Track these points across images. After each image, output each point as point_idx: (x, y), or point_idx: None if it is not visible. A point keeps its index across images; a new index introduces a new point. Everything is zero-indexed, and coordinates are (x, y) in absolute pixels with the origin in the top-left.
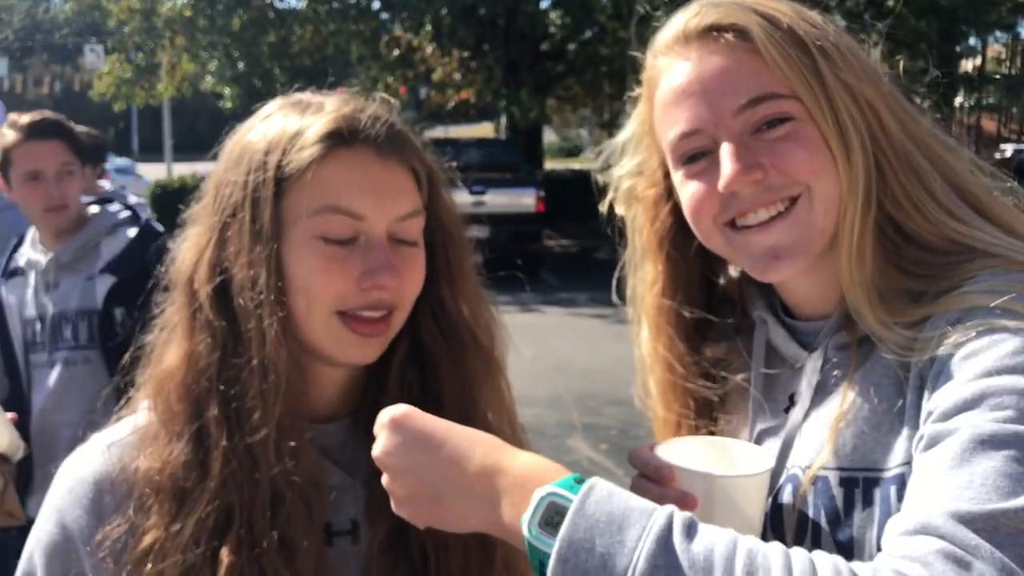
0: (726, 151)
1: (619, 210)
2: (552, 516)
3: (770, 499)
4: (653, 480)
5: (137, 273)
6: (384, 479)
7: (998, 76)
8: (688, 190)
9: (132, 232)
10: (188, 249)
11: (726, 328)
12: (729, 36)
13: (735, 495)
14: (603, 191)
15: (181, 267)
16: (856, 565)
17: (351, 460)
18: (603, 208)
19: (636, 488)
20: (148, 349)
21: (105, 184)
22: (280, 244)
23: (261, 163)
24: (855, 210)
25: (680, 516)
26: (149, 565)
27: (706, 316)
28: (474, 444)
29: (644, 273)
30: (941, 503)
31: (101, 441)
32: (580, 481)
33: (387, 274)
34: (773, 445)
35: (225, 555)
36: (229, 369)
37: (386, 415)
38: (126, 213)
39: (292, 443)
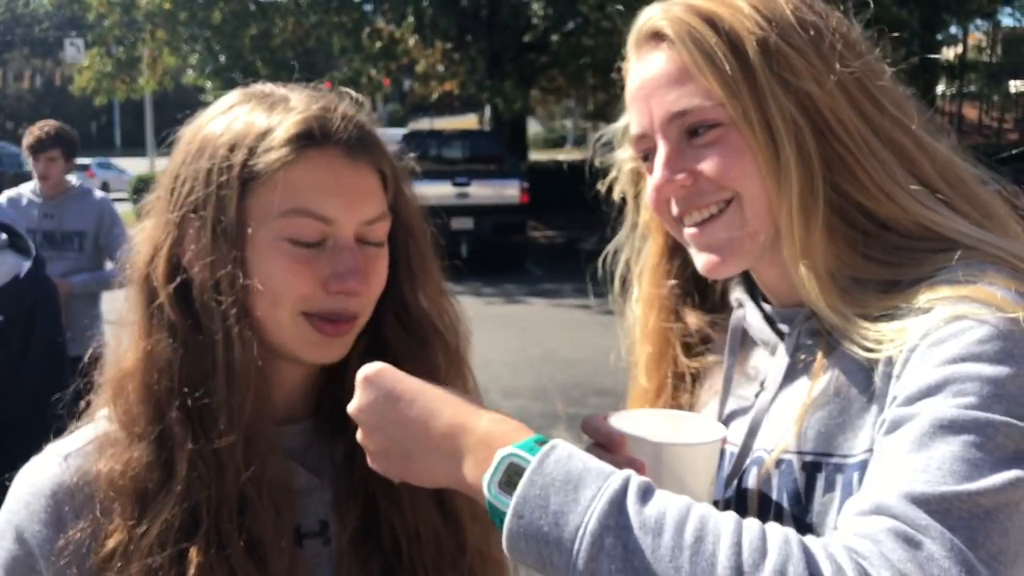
0: (659, 158)
1: (620, 190)
2: (512, 476)
3: (735, 481)
4: (604, 447)
5: (28, 311)
6: (358, 434)
7: (979, 64)
8: (648, 185)
9: (24, 263)
10: (144, 243)
11: (714, 304)
12: (664, 44)
13: (683, 463)
14: (597, 174)
15: (137, 262)
16: (808, 539)
17: (316, 461)
18: (602, 188)
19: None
20: (107, 349)
21: (71, 179)
22: (244, 245)
23: (225, 160)
24: (790, 211)
25: (637, 480)
26: (115, 568)
27: (697, 290)
28: (443, 403)
29: (646, 247)
30: (896, 485)
31: (58, 451)
32: (542, 443)
33: (356, 280)
34: (741, 426)
35: (194, 555)
36: (192, 370)
37: (361, 372)
38: (3, 236)
39: (259, 447)
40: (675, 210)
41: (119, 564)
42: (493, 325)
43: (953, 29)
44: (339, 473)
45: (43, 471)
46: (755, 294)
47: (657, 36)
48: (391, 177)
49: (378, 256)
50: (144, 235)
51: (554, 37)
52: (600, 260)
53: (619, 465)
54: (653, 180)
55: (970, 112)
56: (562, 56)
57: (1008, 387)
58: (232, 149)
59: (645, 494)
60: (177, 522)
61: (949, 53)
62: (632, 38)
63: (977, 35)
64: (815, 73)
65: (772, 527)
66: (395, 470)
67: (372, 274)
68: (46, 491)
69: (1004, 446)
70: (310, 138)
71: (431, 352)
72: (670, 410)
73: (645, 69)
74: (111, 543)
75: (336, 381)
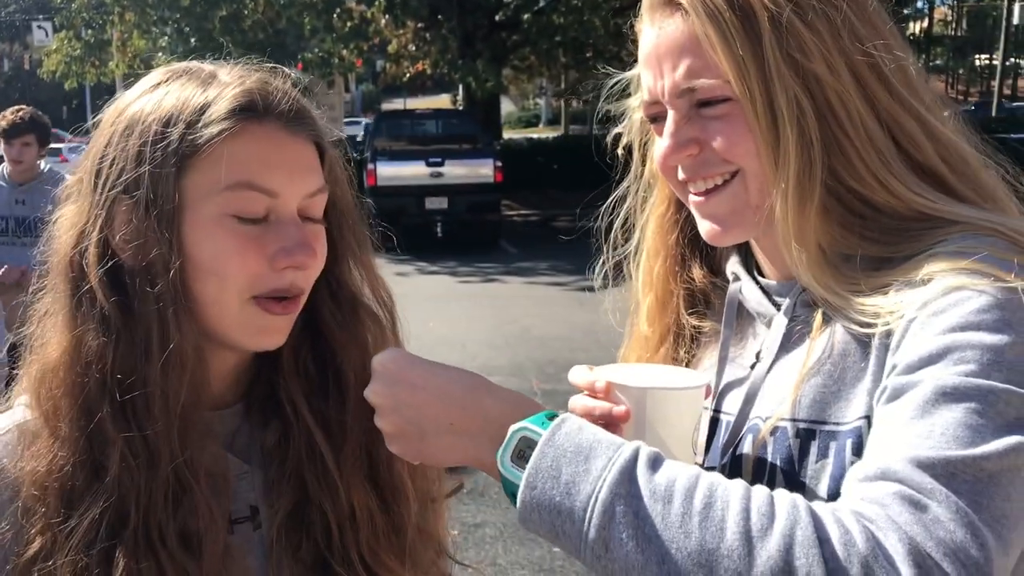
0: (668, 127)
1: (627, 139)
2: (524, 450)
3: (731, 449)
4: (590, 396)
5: None
6: (375, 417)
7: (945, 38)
8: (655, 148)
9: None
10: (66, 229)
11: (717, 263)
12: (679, 13)
13: (667, 409)
14: (606, 121)
15: (60, 248)
16: (815, 504)
17: (245, 446)
18: (610, 138)
19: (574, 404)
20: (28, 340)
21: (42, 165)
22: (181, 225)
23: (159, 136)
24: (785, 193)
25: (646, 450)
26: (39, 571)
27: (702, 247)
28: (456, 383)
29: (653, 195)
30: (901, 450)
31: None
32: (552, 417)
33: (304, 253)
34: (737, 396)
35: (121, 556)
36: (125, 359)
37: (376, 359)
38: None
39: (194, 435)
40: (681, 176)
41: (44, 566)
42: (468, 304)
43: (920, 3)
44: (269, 459)
45: None
46: (749, 266)
47: (672, 3)
48: (327, 151)
49: (319, 232)
50: (66, 220)
51: (525, 16)
52: (603, 210)
53: (604, 412)
54: (661, 147)
55: (936, 86)
56: (533, 35)
57: (1007, 355)
58: (167, 125)
59: (655, 463)
60: (105, 520)
61: (915, 27)
62: (647, 1)
63: (943, 9)
64: (825, 53)
65: (780, 493)
66: (411, 451)
67: (318, 248)
68: None
69: (1005, 412)
70: (251, 110)
71: (362, 329)
72: (655, 365)
73: (658, 35)
74: (35, 546)
75: (271, 364)
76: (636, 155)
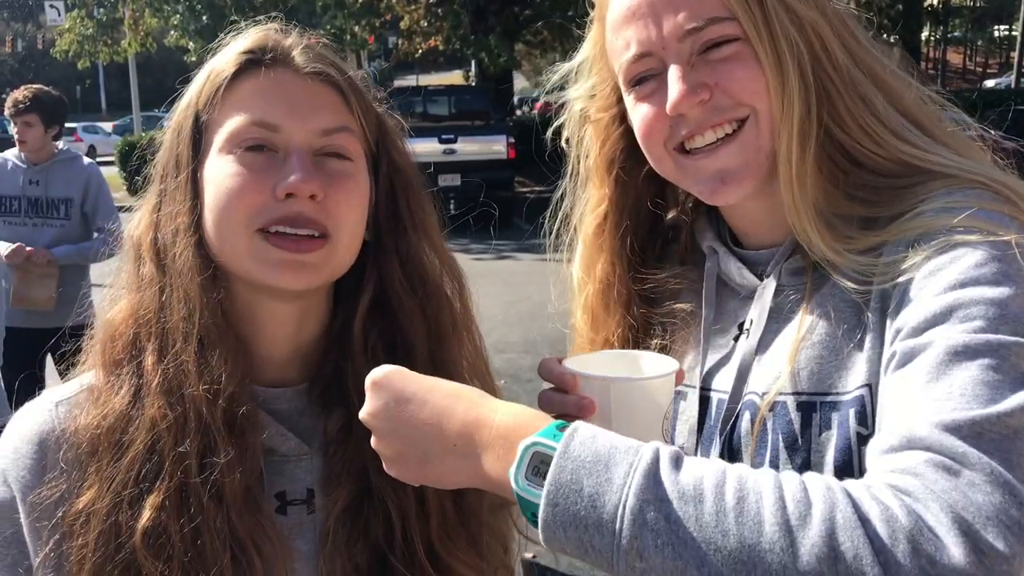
0: (673, 73)
1: (567, 133)
2: (538, 465)
3: (728, 427)
4: (558, 389)
5: None
6: (372, 440)
7: (963, 9)
8: (638, 113)
9: None
10: (137, 214)
11: (671, 256)
12: None
13: (632, 399)
14: (547, 122)
15: (131, 230)
16: (848, 483)
17: (308, 428)
18: (549, 132)
19: (542, 399)
20: (97, 309)
21: (59, 145)
22: (196, 168)
23: (184, 105)
24: (790, 134)
25: (667, 450)
26: (81, 520)
27: (650, 242)
28: (455, 400)
29: (587, 195)
30: (924, 416)
31: (50, 398)
32: (563, 428)
33: (300, 178)
34: (728, 372)
35: (149, 499)
36: (162, 307)
37: (370, 377)
38: None
39: (218, 373)
40: (683, 132)
41: (87, 514)
42: (482, 281)
43: None
44: (330, 446)
45: (33, 418)
46: (724, 240)
47: None
48: (351, 92)
49: (346, 171)
50: (138, 210)
51: None
52: (550, 210)
53: (570, 405)
54: (671, 95)
55: (954, 57)
56: (546, 9)
57: (1011, 307)
58: (190, 94)
59: (678, 462)
60: (141, 465)
61: None
62: None
63: None
64: (809, 1)
65: (811, 477)
66: (412, 474)
67: (335, 187)
68: (33, 438)
69: (1017, 365)
70: (251, 54)
71: (438, 310)
72: (627, 351)
73: None
74: (84, 499)
75: (338, 346)
76: (573, 150)
